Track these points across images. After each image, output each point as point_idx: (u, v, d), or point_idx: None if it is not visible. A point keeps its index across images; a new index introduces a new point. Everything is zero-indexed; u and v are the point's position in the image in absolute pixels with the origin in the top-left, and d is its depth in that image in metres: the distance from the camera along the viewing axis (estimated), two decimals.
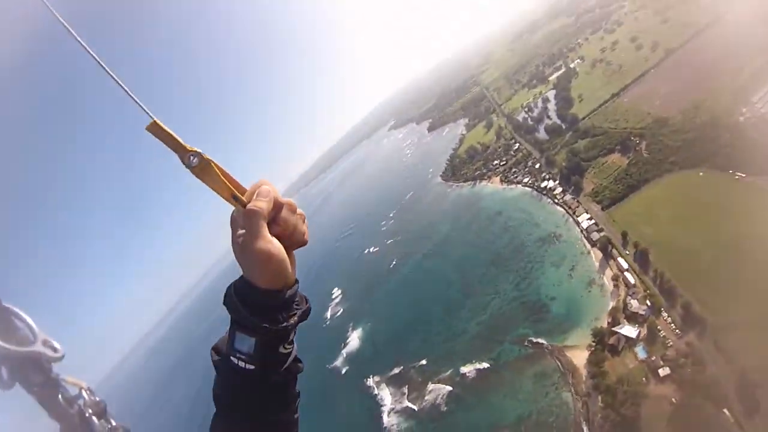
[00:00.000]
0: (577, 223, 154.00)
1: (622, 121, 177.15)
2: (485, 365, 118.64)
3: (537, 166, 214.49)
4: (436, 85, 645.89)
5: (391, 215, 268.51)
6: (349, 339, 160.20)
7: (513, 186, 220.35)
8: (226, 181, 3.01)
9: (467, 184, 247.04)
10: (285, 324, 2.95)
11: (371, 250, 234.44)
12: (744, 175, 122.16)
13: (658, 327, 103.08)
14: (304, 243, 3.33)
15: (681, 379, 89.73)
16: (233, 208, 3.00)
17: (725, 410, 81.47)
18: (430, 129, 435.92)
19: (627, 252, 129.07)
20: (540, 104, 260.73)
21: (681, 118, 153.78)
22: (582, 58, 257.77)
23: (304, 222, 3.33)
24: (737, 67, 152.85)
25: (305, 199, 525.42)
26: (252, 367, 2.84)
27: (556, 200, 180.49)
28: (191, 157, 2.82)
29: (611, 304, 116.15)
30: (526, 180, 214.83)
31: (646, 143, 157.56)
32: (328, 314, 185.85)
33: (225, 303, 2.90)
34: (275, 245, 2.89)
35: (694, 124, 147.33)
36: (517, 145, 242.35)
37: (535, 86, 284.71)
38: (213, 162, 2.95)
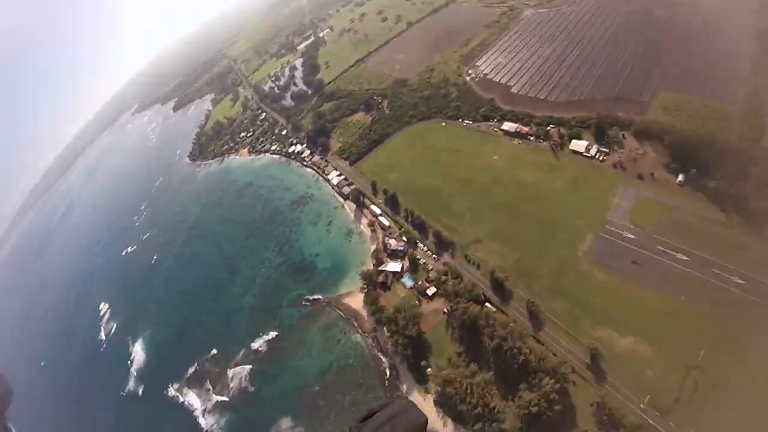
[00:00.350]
0: (328, 181, 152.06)
1: (365, 84, 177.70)
2: (273, 334, 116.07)
3: (284, 132, 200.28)
4: (183, 61, 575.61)
5: (142, 208, 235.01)
6: (134, 354, 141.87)
7: (261, 155, 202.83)
8: None
9: (215, 161, 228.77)
10: None
11: (129, 250, 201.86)
12: (470, 122, 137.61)
13: (418, 257, 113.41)
14: None
15: (446, 292, 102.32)
16: None
17: (487, 304, 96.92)
18: (176, 108, 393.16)
19: (378, 199, 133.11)
20: (287, 73, 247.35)
21: (418, 79, 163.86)
22: (331, 28, 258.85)
23: None
24: (466, 38, 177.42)
25: (42, 214, 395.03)
26: None
27: (305, 163, 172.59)
28: None
29: (372, 247, 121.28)
30: (273, 147, 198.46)
31: (387, 102, 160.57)
32: (102, 335, 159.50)
33: None
34: None
35: (429, 84, 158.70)
36: (264, 114, 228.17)
37: (284, 56, 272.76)
38: None
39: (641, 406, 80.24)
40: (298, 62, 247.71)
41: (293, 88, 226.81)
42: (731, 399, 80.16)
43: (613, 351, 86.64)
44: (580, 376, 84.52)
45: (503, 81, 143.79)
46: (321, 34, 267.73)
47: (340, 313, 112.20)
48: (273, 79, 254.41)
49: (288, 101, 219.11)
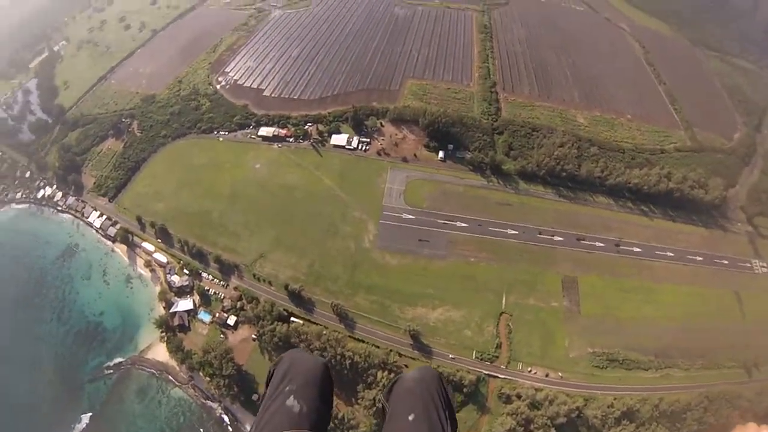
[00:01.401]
0: (90, 225, 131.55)
1: (111, 105, 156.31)
2: (87, 419, 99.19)
3: (27, 174, 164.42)
4: None
5: None
6: None
7: (4, 208, 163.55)
8: None
9: None
10: None
11: None
12: (226, 133, 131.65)
13: (206, 288, 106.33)
14: None
15: (251, 316, 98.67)
16: None
17: (293, 318, 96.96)
18: None
19: (148, 234, 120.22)
20: (20, 98, 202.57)
21: (167, 93, 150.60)
22: (68, 39, 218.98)
23: None
24: (214, 44, 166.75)
25: None
26: None
27: (59, 208, 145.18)
28: None
29: (157, 289, 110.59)
30: (18, 195, 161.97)
31: (137, 123, 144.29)
32: None
33: None
34: None
35: (179, 97, 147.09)
36: (0, 154, 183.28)
37: (14, 77, 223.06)
38: None
39: (471, 361, 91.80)
40: (32, 84, 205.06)
41: (30, 117, 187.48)
42: (539, 325, 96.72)
43: (429, 325, 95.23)
44: (409, 358, 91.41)
45: (255, 85, 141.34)
46: (56, 48, 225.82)
47: (150, 371, 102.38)
48: (4, 107, 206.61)
49: (26, 134, 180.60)
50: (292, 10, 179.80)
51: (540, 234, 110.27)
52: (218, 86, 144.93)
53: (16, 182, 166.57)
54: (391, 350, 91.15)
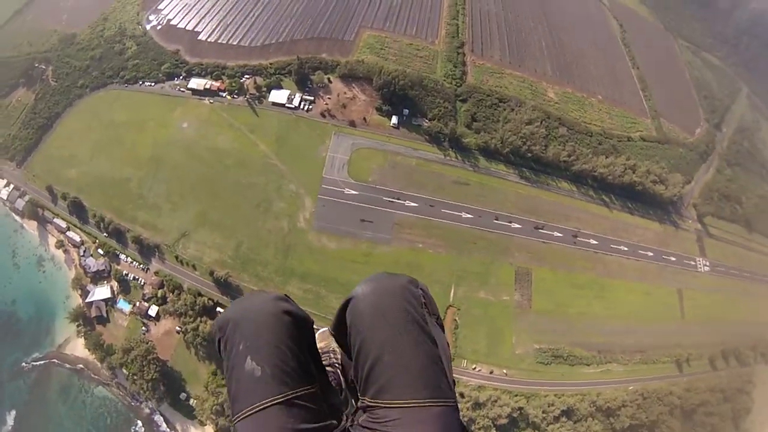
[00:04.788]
0: None
1: (25, 46, 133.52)
2: (11, 421, 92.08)
3: None
4: None
5: None
6: None
7: None
8: None
9: None
10: None
11: None
12: (152, 84, 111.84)
13: (125, 272, 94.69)
14: None
15: (172, 310, 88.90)
16: None
17: (219, 309, 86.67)
18: None
19: (60, 208, 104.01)
20: None
21: (89, 33, 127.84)
22: None
23: None
24: None
25: None
26: None
27: None
28: None
29: (71, 274, 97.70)
30: None
31: (53, 69, 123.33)
32: None
33: None
34: None
35: (101, 39, 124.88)
36: None
37: None
38: None
39: None
40: None
41: None
42: (487, 320, 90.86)
43: None
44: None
45: (190, 27, 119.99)
46: None
47: (71, 368, 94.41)
48: None
49: None
50: None
51: (497, 220, 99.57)
52: (148, 26, 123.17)
53: None
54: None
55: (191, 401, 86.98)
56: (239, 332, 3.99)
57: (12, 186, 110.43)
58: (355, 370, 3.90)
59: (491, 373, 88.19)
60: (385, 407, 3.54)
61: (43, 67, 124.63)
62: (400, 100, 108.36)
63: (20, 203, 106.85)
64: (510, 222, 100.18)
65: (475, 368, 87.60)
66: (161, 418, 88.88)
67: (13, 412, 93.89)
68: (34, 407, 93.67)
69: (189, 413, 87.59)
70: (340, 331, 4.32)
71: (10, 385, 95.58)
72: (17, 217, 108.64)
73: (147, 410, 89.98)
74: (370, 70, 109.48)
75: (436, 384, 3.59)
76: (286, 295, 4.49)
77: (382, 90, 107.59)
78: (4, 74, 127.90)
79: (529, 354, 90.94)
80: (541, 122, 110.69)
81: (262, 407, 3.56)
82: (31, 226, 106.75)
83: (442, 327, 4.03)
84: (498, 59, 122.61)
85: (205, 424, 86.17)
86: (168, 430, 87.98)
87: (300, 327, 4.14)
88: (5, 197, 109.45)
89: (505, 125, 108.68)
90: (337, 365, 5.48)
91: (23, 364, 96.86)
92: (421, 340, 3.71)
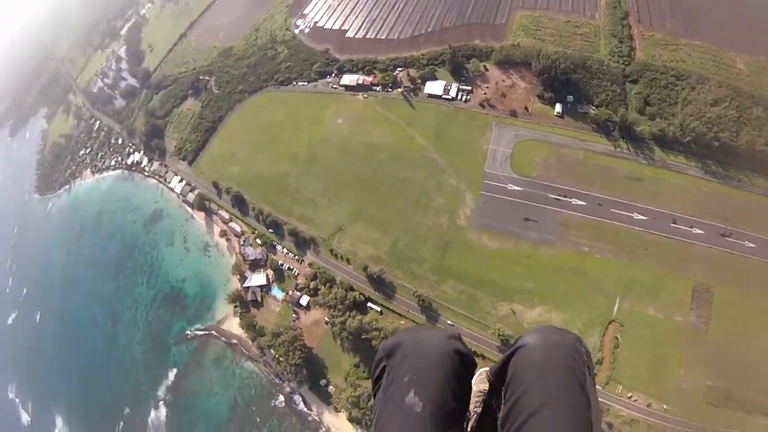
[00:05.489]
0: (172, 190, 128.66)
1: (191, 63, 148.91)
2: (172, 377, 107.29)
3: (120, 141, 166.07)
4: (8, 79, 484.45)
5: (8, 267, 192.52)
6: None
7: (104, 174, 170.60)
8: None
9: (63, 191, 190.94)
10: None
11: (12, 318, 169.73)
12: (306, 83, 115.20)
13: (280, 262, 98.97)
14: None
15: (322, 301, 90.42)
16: None
17: (370, 304, 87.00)
18: (12, 134, 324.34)
19: (224, 201, 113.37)
20: (114, 66, 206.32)
21: (244, 44, 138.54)
22: (152, 1, 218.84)
23: None
24: None
25: None
26: None
27: (146, 173, 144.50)
28: None
29: (232, 260, 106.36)
30: (113, 162, 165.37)
31: (215, 79, 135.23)
32: (23, 419, 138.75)
33: None
34: None
35: (255, 47, 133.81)
36: (98, 122, 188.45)
37: (108, 46, 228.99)
38: None
39: None
40: (123, 50, 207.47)
41: (122, 84, 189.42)
42: (654, 342, 75.48)
43: (523, 326, 76.92)
44: (493, 362, 76.14)
45: (336, 26, 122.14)
46: (142, 12, 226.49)
47: (225, 341, 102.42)
48: (101, 76, 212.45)
49: (119, 101, 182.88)
50: None
51: (674, 223, 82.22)
52: (296, 31, 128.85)
53: (111, 149, 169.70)
54: (474, 352, 73.98)
55: (330, 388, 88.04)
56: (408, 363, 4.02)
57: (184, 182, 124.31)
58: (505, 418, 3.77)
59: (648, 406, 72.74)
60: None
61: (207, 78, 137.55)
62: (563, 85, 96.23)
63: (191, 196, 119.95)
64: (690, 226, 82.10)
65: (630, 397, 73.53)
66: (300, 398, 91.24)
67: (175, 370, 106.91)
68: (191, 369, 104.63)
69: (326, 399, 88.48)
70: (500, 377, 4.23)
71: (175, 348, 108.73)
72: (188, 209, 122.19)
73: (288, 389, 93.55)
74: (528, 54, 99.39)
75: None
76: (459, 333, 4.52)
77: (542, 75, 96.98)
78: (176, 88, 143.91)
79: (698, 390, 72.51)
80: (730, 102, 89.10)
81: None
82: (199, 217, 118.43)
83: (594, 386, 3.89)
84: (670, 28, 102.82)
85: (340, 411, 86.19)
86: (305, 409, 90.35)
87: (465, 368, 4.15)
88: (179, 191, 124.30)
89: (685, 108, 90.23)
90: (477, 409, 4.93)
91: (187, 332, 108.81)
92: (579, 402, 3.61)
